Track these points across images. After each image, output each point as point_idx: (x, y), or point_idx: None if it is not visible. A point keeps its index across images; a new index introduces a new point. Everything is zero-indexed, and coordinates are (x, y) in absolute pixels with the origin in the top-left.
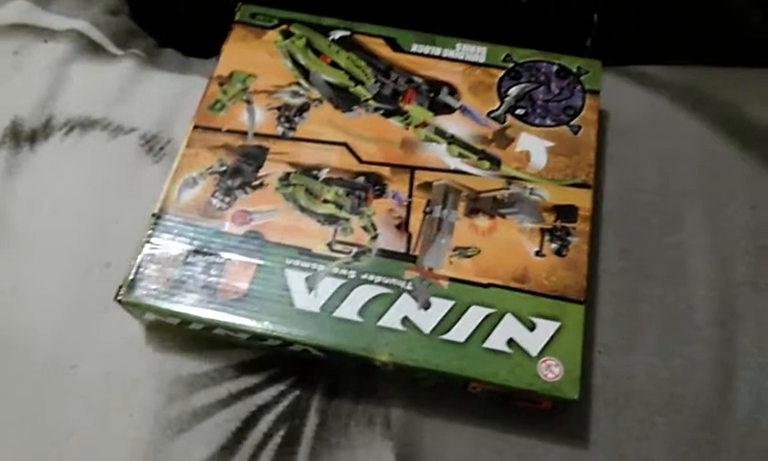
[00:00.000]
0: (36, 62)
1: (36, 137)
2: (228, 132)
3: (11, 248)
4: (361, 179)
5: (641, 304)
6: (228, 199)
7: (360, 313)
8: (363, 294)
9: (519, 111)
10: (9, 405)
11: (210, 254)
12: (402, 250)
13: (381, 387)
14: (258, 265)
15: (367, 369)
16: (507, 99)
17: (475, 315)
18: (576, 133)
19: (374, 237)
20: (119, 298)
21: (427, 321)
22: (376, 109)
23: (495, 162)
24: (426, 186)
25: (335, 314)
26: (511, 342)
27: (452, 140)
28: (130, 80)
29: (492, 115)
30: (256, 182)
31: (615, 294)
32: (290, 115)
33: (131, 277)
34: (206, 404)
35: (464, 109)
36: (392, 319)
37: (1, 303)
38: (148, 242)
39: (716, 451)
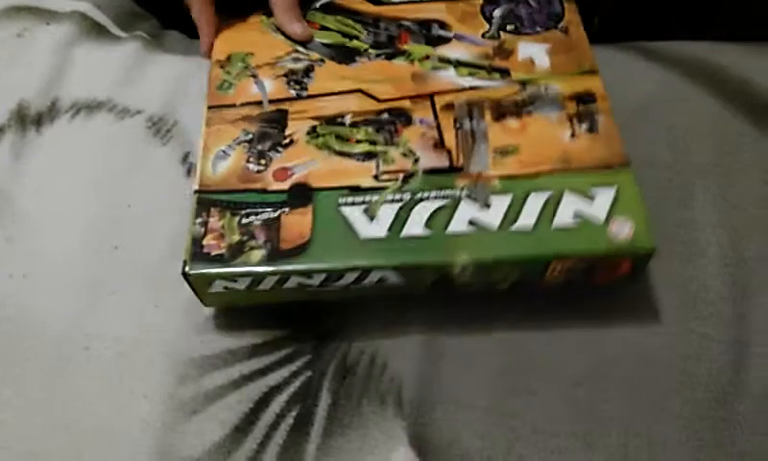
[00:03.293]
0: (39, 45)
1: (43, 120)
2: (244, 105)
3: (19, 232)
4: (385, 115)
5: (653, 281)
6: (263, 161)
7: (427, 226)
8: (424, 210)
9: (509, 28)
10: (23, 388)
11: (263, 213)
12: (446, 165)
13: (392, 365)
14: (314, 211)
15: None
16: (494, 20)
17: (536, 201)
18: (566, 32)
19: (416, 160)
20: (186, 272)
21: (493, 218)
22: (378, 56)
23: (505, 73)
24: (449, 107)
25: (403, 234)
26: (577, 215)
27: (458, 64)
28: (134, 62)
29: (487, 36)
30: (286, 141)
31: None
32: (298, 78)
33: (191, 251)
34: (219, 386)
35: (459, 37)
36: (459, 224)
37: (12, 288)
38: (198, 217)
39: (730, 428)
